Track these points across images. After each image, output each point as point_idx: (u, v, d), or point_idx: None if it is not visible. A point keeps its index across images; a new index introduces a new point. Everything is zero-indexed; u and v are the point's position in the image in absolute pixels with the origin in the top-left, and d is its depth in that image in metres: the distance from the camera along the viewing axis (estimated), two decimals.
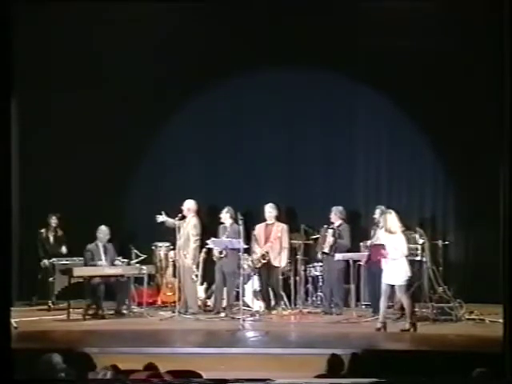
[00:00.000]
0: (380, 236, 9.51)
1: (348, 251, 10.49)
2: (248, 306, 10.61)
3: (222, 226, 10.66)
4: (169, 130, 11.98)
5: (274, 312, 10.56)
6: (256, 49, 11.42)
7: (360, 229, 11.04)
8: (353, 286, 10.58)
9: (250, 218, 10.75)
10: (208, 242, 10.49)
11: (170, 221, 10.59)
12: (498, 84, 6.17)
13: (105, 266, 10.50)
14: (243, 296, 10.22)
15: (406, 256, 9.29)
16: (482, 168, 10.82)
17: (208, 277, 11.00)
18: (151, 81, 11.67)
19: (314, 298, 11.07)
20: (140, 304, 10.74)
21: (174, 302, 10.50)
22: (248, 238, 10.60)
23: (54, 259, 11.19)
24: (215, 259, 10.57)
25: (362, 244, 10.56)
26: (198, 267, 10.75)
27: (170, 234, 10.79)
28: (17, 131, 10.59)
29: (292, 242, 10.81)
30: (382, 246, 9.28)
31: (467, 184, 11.41)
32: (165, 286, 11.33)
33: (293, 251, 10.86)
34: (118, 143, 11.68)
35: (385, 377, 5.26)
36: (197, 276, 10.71)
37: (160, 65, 11.48)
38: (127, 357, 7.35)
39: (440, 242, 10.76)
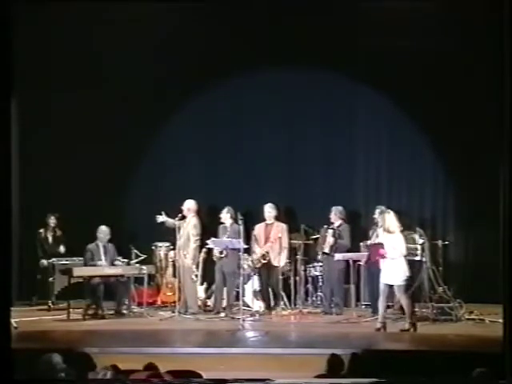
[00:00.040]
0: (379, 236, 9.51)
1: (348, 251, 10.49)
2: (248, 306, 10.61)
3: (222, 226, 10.66)
4: (169, 130, 11.98)
5: (273, 312, 10.56)
6: (256, 49, 11.42)
7: (360, 229, 11.03)
8: (353, 286, 10.58)
9: (250, 218, 10.75)
10: (208, 241, 10.49)
11: (169, 221, 10.59)
12: (498, 84, 6.17)
13: (105, 266, 10.50)
14: (243, 296, 10.22)
15: (405, 256, 9.28)
16: (482, 168, 10.82)
17: (208, 277, 11.00)
18: (151, 81, 11.67)
19: (313, 298, 11.07)
20: (140, 304, 10.74)
21: (174, 302, 10.50)
22: (248, 238, 10.60)
23: (53, 259, 11.20)
24: (215, 259, 10.57)
25: (362, 244, 10.56)
26: (197, 267, 10.76)
27: (169, 234, 10.79)
28: (17, 131, 10.59)
29: (292, 241, 10.81)
30: (381, 246, 9.28)
31: (467, 184, 11.41)
32: (165, 286, 11.34)
33: (293, 251, 10.86)
34: (118, 143, 11.68)
35: (385, 377, 5.27)
36: (197, 276, 10.72)
37: (160, 65, 11.48)
38: (127, 357, 7.35)
39: (440, 242, 10.75)
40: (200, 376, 5.62)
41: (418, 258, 10.06)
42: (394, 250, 9.17)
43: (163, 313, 10.61)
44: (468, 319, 9.90)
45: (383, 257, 9.20)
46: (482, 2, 10.06)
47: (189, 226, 10.59)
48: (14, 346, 5.85)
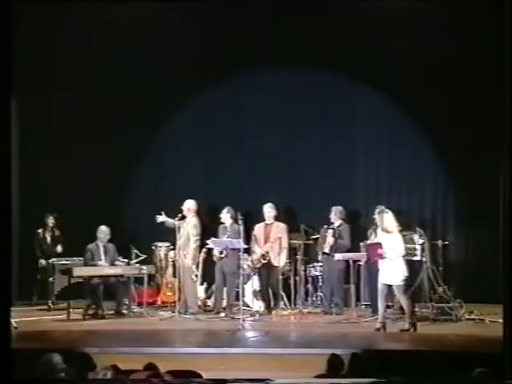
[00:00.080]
0: (378, 236, 9.50)
1: (348, 251, 10.49)
2: (248, 306, 10.61)
3: (222, 226, 10.66)
4: (169, 130, 11.98)
5: (273, 312, 10.56)
6: (256, 49, 11.42)
7: (360, 229, 11.02)
8: (353, 286, 10.58)
9: (250, 218, 10.74)
10: (208, 241, 10.49)
11: (169, 221, 10.59)
12: (498, 84, 6.17)
13: (105, 266, 10.51)
14: (243, 296, 10.22)
15: (404, 256, 9.28)
16: (482, 168, 10.81)
17: (208, 277, 11.00)
18: (151, 81, 11.67)
19: (313, 298, 11.07)
20: (140, 304, 10.74)
21: (174, 302, 10.50)
22: (248, 238, 10.59)
23: (53, 259, 11.20)
24: (215, 259, 10.57)
25: (362, 244, 10.54)
26: (197, 267, 10.76)
27: (170, 234, 10.79)
28: (17, 131, 10.59)
29: (292, 241, 10.81)
30: (379, 245, 9.28)
31: (467, 184, 11.41)
32: (165, 286, 11.34)
33: (293, 251, 10.86)
34: (118, 143, 11.68)
35: (385, 377, 5.26)
36: (197, 276, 10.72)
37: (160, 65, 11.48)
38: (127, 357, 7.35)
39: (440, 242, 10.75)
40: (200, 376, 5.62)
41: (417, 258, 10.06)
42: (392, 250, 9.17)
43: (163, 313, 10.61)
44: (468, 319, 9.90)
45: (382, 257, 9.20)
46: (481, 2, 10.06)
47: (189, 226, 10.59)
48: (14, 346, 5.85)
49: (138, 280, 10.83)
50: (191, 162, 12.02)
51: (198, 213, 10.78)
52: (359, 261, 10.44)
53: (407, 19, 10.90)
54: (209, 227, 10.83)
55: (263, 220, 10.81)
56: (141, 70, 11.45)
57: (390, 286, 9.28)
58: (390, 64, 11.21)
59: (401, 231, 9.48)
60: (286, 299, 10.86)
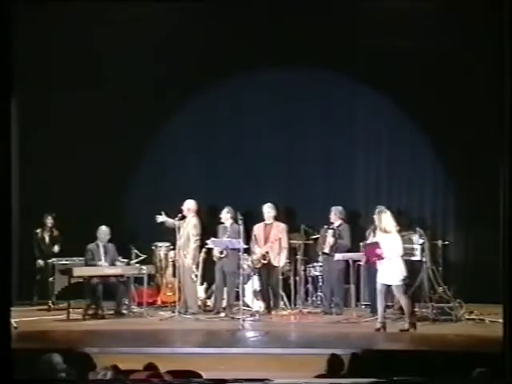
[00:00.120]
0: (376, 235, 9.49)
1: (348, 251, 10.49)
2: (248, 306, 10.61)
3: (221, 226, 10.66)
4: (169, 130, 11.98)
5: (273, 312, 10.56)
6: (256, 49, 11.42)
7: (360, 229, 11.01)
8: (353, 286, 10.58)
9: (250, 218, 10.74)
10: (208, 242, 10.49)
11: (169, 221, 10.59)
12: (498, 84, 6.17)
13: (104, 266, 10.51)
14: (243, 296, 10.22)
15: (402, 256, 9.27)
16: (482, 168, 10.82)
17: (208, 277, 11.00)
18: (151, 81, 11.67)
19: (313, 298, 11.07)
20: (140, 304, 10.74)
21: (174, 302, 10.50)
22: (248, 238, 10.59)
23: (54, 259, 11.20)
24: (215, 259, 10.57)
25: (361, 244, 10.54)
26: (197, 267, 10.76)
27: (170, 234, 10.79)
28: (17, 131, 10.59)
29: (292, 241, 10.81)
30: (377, 245, 9.28)
31: (467, 184, 11.41)
32: (165, 286, 11.34)
33: (292, 251, 10.86)
34: (118, 143, 11.69)
35: (385, 377, 5.26)
36: (196, 276, 10.72)
37: (160, 65, 11.48)
38: (127, 357, 7.35)
39: (440, 242, 10.75)
40: (200, 376, 5.63)
41: (417, 258, 10.06)
42: (390, 249, 9.16)
43: (163, 313, 10.61)
44: (468, 319, 9.90)
45: (380, 257, 9.19)
46: (482, 2, 10.06)
47: (189, 226, 10.59)
48: (14, 346, 5.85)
49: (138, 280, 10.83)
50: (191, 162, 12.02)
51: (198, 213, 10.78)
52: (359, 261, 10.44)
53: (407, 19, 10.90)
54: (209, 227, 10.83)
55: (263, 220, 10.81)
56: (141, 70, 11.45)
57: (388, 286, 9.28)
58: (389, 64, 11.21)
59: (399, 231, 9.48)
60: (285, 299, 10.86)
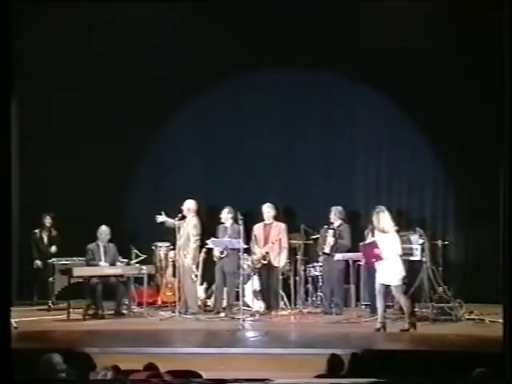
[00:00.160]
0: (374, 236, 9.49)
1: (348, 251, 10.49)
2: (248, 306, 10.61)
3: (222, 226, 10.66)
4: (169, 130, 11.98)
5: (273, 312, 10.55)
6: (256, 49, 11.42)
7: (360, 229, 10.99)
8: (353, 286, 10.58)
9: (250, 218, 10.74)
10: (208, 241, 10.49)
11: (169, 221, 10.59)
12: (498, 84, 6.17)
13: (105, 266, 10.51)
14: (243, 296, 10.22)
15: (401, 256, 9.27)
16: (482, 168, 10.81)
17: (208, 277, 11.00)
18: (151, 81, 11.68)
19: (313, 298, 11.07)
20: (140, 304, 10.74)
21: (174, 302, 10.50)
22: (248, 238, 10.59)
23: (53, 259, 11.20)
24: (215, 259, 10.57)
25: (361, 244, 10.54)
26: (197, 267, 10.76)
27: (169, 234, 10.79)
28: (17, 131, 10.59)
29: (292, 242, 10.81)
30: (374, 245, 9.28)
31: (467, 184, 11.41)
32: (165, 286, 11.34)
33: (292, 251, 10.86)
34: (118, 143, 11.69)
35: (385, 377, 5.27)
36: (196, 276, 10.72)
37: (160, 65, 11.48)
38: (127, 357, 7.35)
39: (440, 242, 10.75)
40: (200, 376, 5.63)
41: (417, 258, 10.06)
42: (389, 249, 9.15)
43: (163, 313, 10.62)
44: (468, 319, 9.90)
45: (378, 257, 9.19)
46: (482, 2, 10.06)
47: (189, 226, 10.59)
48: (14, 346, 5.85)
49: (138, 280, 10.83)
50: (191, 162, 12.02)
51: (198, 213, 10.78)
52: (359, 261, 10.43)
53: (407, 19, 10.89)
54: (209, 227, 10.83)
55: (263, 220, 10.81)
56: (141, 70, 11.45)
57: (388, 286, 9.28)
58: (389, 64, 11.21)
59: (397, 231, 9.48)
60: (285, 299, 10.86)
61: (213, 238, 10.46)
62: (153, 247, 11.59)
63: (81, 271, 10.40)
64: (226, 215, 10.60)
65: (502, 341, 5.70)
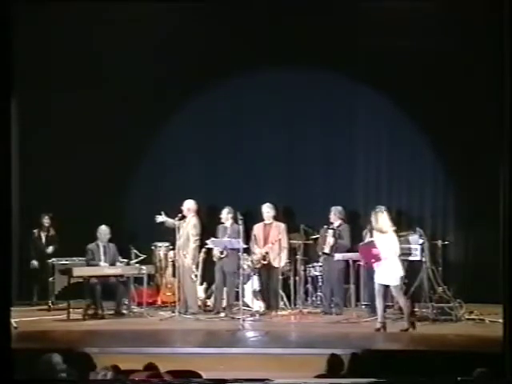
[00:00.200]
0: (373, 236, 9.48)
1: (348, 251, 10.48)
2: (248, 306, 10.60)
3: (221, 226, 10.65)
4: (169, 130, 11.98)
5: (273, 312, 10.55)
6: (256, 49, 11.42)
7: (360, 229, 10.98)
8: (352, 286, 10.58)
9: (250, 218, 10.74)
10: (208, 241, 10.49)
11: (169, 221, 10.60)
12: (498, 84, 6.17)
13: (104, 266, 10.51)
14: (243, 296, 10.22)
15: (399, 256, 9.27)
16: (482, 168, 10.81)
17: (208, 277, 11.00)
18: (151, 81, 11.68)
19: (313, 298, 11.07)
20: (140, 304, 10.74)
21: (174, 302, 10.50)
22: (248, 238, 10.59)
23: (53, 259, 11.19)
24: (215, 259, 10.57)
25: (360, 244, 10.54)
26: (197, 267, 10.76)
27: (169, 234, 10.79)
28: (17, 131, 10.59)
29: (291, 242, 10.81)
30: (372, 245, 9.27)
31: (467, 184, 11.41)
32: (164, 286, 11.34)
33: (292, 251, 10.86)
34: (118, 143, 11.69)
35: (385, 377, 5.27)
36: (196, 276, 10.72)
37: (160, 65, 11.48)
38: (127, 357, 7.35)
39: (440, 242, 10.75)
40: (200, 376, 5.63)
41: (416, 258, 10.05)
42: (387, 250, 9.15)
43: (163, 313, 10.62)
44: (468, 319, 9.90)
45: (377, 258, 9.19)
46: (482, 2, 10.06)
47: (188, 226, 10.59)
48: (14, 346, 5.85)
49: (138, 280, 10.83)
50: (191, 162, 12.02)
51: (198, 213, 10.78)
52: (359, 261, 10.43)
53: (407, 19, 10.90)
54: (208, 227, 10.83)
55: (263, 220, 10.80)
56: (141, 70, 11.45)
57: (387, 287, 9.28)
58: (389, 64, 11.20)
59: (397, 231, 9.48)
60: (285, 299, 10.86)
61: (212, 238, 10.47)
62: (152, 247, 11.58)
63: (81, 271, 10.40)
64: (225, 215, 10.60)
65: (502, 341, 5.70)
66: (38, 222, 11.56)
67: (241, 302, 9.87)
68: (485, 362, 5.47)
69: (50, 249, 11.48)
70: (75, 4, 10.85)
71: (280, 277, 10.71)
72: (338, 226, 10.67)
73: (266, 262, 10.67)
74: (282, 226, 10.77)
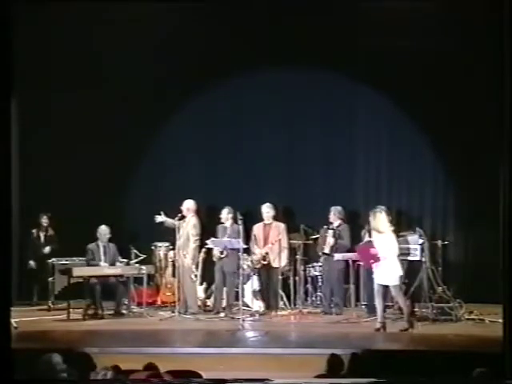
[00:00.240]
0: (371, 236, 9.48)
1: (347, 251, 10.48)
2: (248, 306, 10.60)
3: (221, 226, 10.65)
4: (169, 130, 11.98)
5: (273, 312, 10.55)
6: (256, 49, 11.42)
7: (360, 229, 10.99)
8: (352, 286, 10.58)
9: (250, 218, 10.74)
10: (207, 241, 10.49)
11: (169, 221, 10.60)
12: (498, 84, 6.17)
13: (104, 266, 10.51)
14: (243, 296, 10.21)
15: (398, 256, 9.26)
16: (482, 168, 10.81)
17: (207, 277, 11.00)
18: (151, 81, 11.68)
19: (313, 298, 11.07)
20: (140, 304, 10.74)
21: (174, 302, 10.50)
22: (248, 238, 10.59)
23: (53, 259, 11.19)
24: (215, 259, 10.57)
25: (359, 245, 10.54)
26: (197, 267, 10.76)
27: (169, 234, 10.79)
28: (17, 131, 10.59)
29: (291, 242, 10.81)
30: (370, 245, 9.27)
31: (467, 184, 11.41)
32: (164, 286, 11.34)
33: (292, 251, 10.85)
34: (118, 143, 11.69)
35: (385, 377, 5.27)
36: (196, 276, 10.72)
37: (160, 65, 11.48)
38: (127, 357, 7.35)
39: (440, 242, 10.75)
40: (200, 376, 5.63)
41: (417, 258, 10.05)
42: (386, 250, 9.14)
43: (163, 313, 10.62)
44: (468, 319, 9.90)
45: (376, 258, 9.19)
46: (482, 2, 10.06)
47: (188, 226, 10.60)
48: (14, 346, 5.86)
49: (138, 280, 10.83)
50: (191, 162, 12.02)
51: (198, 213, 10.78)
52: (359, 261, 10.43)
53: (407, 19, 10.89)
54: (208, 227, 10.83)
55: (262, 220, 10.80)
56: (141, 70, 11.45)
57: (386, 287, 9.28)
58: (389, 64, 11.20)
59: (397, 231, 9.48)
60: (285, 299, 10.86)
61: (212, 238, 10.47)
62: (152, 247, 11.58)
63: (81, 271, 10.40)
64: (225, 215, 10.60)
65: (502, 341, 5.70)
66: (37, 222, 11.56)
67: (240, 302, 9.87)
68: (485, 362, 5.47)
69: (47, 249, 11.48)
70: (75, 4, 10.85)
71: (280, 277, 10.71)
72: (337, 226, 10.67)
73: (265, 262, 10.67)
74: (282, 226, 10.77)
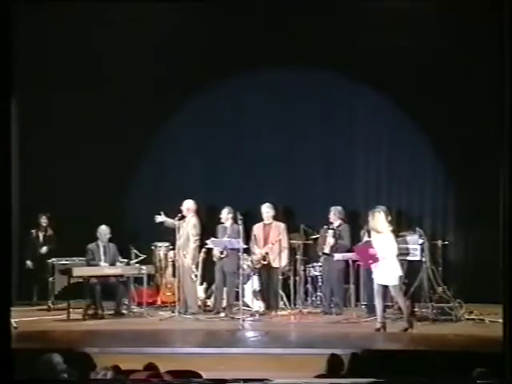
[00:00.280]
0: (370, 236, 9.47)
1: (347, 251, 10.48)
2: (248, 306, 10.60)
3: (221, 226, 10.65)
4: (169, 130, 11.98)
5: (273, 312, 10.55)
6: (256, 49, 11.42)
7: (360, 229, 11.00)
8: (352, 286, 10.58)
9: (250, 218, 10.74)
10: (208, 241, 10.49)
11: (169, 221, 10.60)
12: (498, 84, 6.17)
13: (104, 266, 10.51)
14: (243, 296, 10.21)
15: (397, 256, 9.26)
16: (482, 168, 10.81)
17: (208, 277, 11.00)
18: (151, 81, 11.68)
19: (313, 298, 11.07)
20: (140, 304, 10.74)
21: (174, 302, 10.50)
22: (248, 238, 10.59)
23: (53, 259, 11.19)
24: (215, 259, 10.57)
25: (358, 245, 10.54)
26: (197, 267, 10.76)
27: (169, 234, 10.79)
28: (17, 131, 10.59)
29: (291, 242, 10.81)
30: (369, 245, 9.27)
31: (467, 184, 11.41)
32: (164, 286, 11.34)
33: (292, 251, 10.85)
34: (118, 143, 11.69)
35: (384, 377, 5.27)
36: (196, 276, 10.72)
37: (160, 65, 11.48)
38: (127, 357, 7.35)
39: (440, 242, 10.75)
40: (200, 376, 5.63)
41: (416, 258, 10.04)
42: (385, 250, 9.14)
43: (163, 313, 10.62)
44: (468, 319, 9.90)
45: (374, 258, 9.18)
46: (482, 2, 10.06)
47: (188, 226, 10.60)
48: (14, 346, 5.85)
49: (138, 280, 10.83)
50: (191, 162, 12.02)
51: (198, 213, 10.78)
52: (359, 261, 10.43)
53: (407, 19, 10.89)
54: (208, 227, 10.83)
55: (262, 220, 10.80)
56: (141, 70, 11.46)
57: (386, 287, 9.28)
58: (389, 64, 11.21)
59: (397, 231, 9.47)
60: (285, 299, 10.86)
61: (212, 238, 10.47)
62: (152, 247, 11.59)
63: (81, 271, 10.40)
64: (225, 215, 10.60)
65: (502, 341, 5.69)
66: (36, 222, 11.56)
67: (241, 302, 9.88)
68: (485, 362, 5.47)
69: (44, 249, 11.48)
70: (75, 4, 10.85)
71: (280, 277, 10.71)
72: (337, 226, 10.67)
73: (265, 263, 10.67)
74: (282, 226, 10.77)
